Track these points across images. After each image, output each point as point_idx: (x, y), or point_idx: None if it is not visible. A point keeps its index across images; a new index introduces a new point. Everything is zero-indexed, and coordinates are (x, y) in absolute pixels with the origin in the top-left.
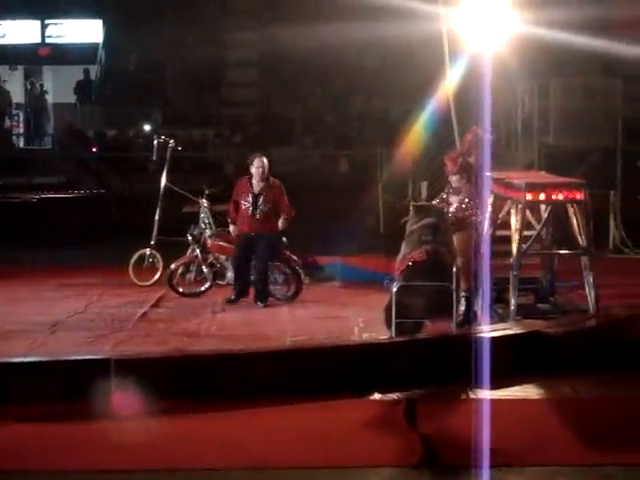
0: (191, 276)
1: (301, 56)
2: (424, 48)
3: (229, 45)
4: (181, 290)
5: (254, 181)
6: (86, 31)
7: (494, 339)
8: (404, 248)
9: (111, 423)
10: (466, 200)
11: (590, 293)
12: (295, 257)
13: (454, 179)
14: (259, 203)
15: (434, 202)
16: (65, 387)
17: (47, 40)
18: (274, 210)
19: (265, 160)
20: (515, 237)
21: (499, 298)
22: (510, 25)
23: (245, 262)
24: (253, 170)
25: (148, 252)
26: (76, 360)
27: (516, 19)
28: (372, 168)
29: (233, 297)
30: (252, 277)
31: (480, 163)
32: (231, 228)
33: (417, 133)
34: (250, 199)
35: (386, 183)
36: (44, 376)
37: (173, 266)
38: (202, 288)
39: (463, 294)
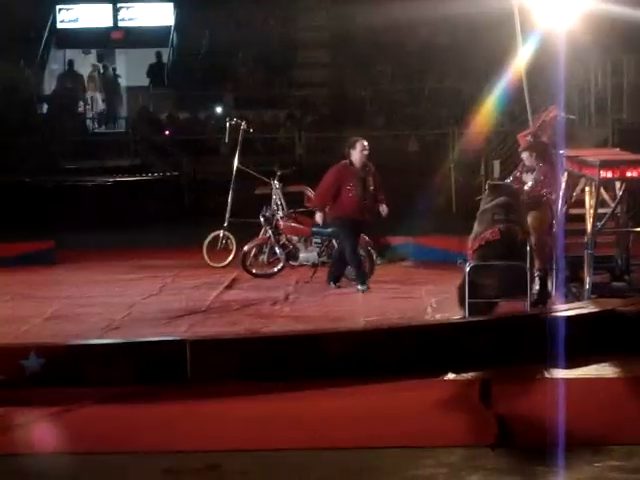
0: (264, 257)
1: (372, 36)
2: (496, 25)
3: (300, 26)
4: (254, 271)
5: (358, 165)
6: (158, 14)
7: (569, 318)
8: (477, 227)
9: (186, 405)
10: (541, 178)
11: None
12: (367, 238)
13: (524, 156)
14: (367, 188)
15: (507, 181)
16: (141, 369)
17: (119, 24)
18: (374, 194)
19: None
20: (589, 215)
21: (574, 277)
22: (582, 1)
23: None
24: (356, 154)
25: (221, 234)
26: (152, 342)
27: None
28: (444, 147)
29: (332, 282)
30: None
31: (555, 142)
32: (317, 216)
33: (489, 111)
34: (357, 184)
35: (458, 162)
36: (120, 358)
37: (246, 248)
38: (275, 269)
39: (537, 273)
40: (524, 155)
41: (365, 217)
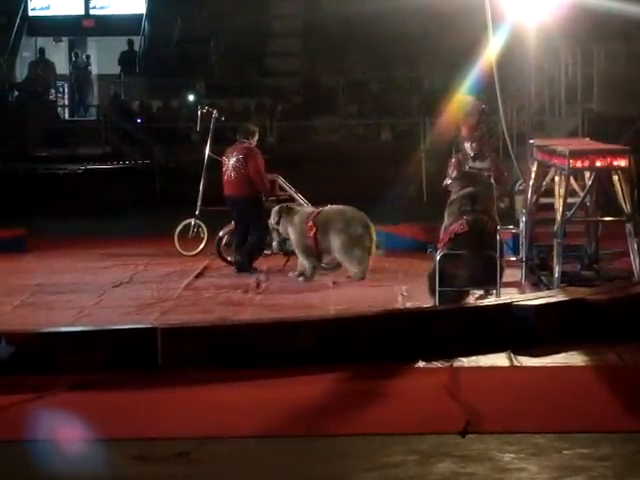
0: None
1: (344, 25)
2: (467, 15)
3: (273, 15)
4: (228, 258)
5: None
6: (130, 2)
7: (538, 307)
8: (446, 218)
9: (156, 392)
10: (496, 165)
11: (635, 260)
12: None
13: (469, 146)
14: None
15: (447, 179)
16: (111, 356)
17: (91, 12)
18: None
19: None
20: (559, 204)
21: (543, 266)
22: None
23: None
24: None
25: (193, 222)
26: (122, 329)
27: None
28: (415, 136)
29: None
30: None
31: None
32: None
33: (460, 101)
34: None
35: (429, 151)
36: (90, 345)
37: (221, 233)
38: None
39: None
40: (467, 145)
41: None
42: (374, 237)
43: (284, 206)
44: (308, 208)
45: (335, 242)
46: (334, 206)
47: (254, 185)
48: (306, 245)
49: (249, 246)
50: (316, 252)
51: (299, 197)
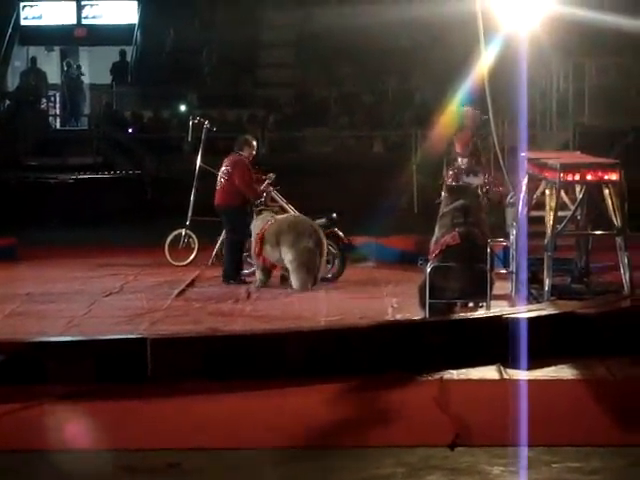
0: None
1: (337, 37)
2: (458, 27)
3: (265, 26)
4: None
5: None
6: (122, 12)
7: (529, 320)
8: (437, 231)
9: (146, 403)
10: (490, 179)
11: (625, 274)
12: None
13: (464, 162)
14: None
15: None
16: (101, 366)
17: (83, 21)
18: None
19: None
20: (550, 218)
21: (534, 279)
22: (545, 4)
23: None
24: (251, 151)
25: (184, 232)
26: (112, 339)
27: None
28: (406, 148)
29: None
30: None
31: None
32: None
33: (451, 113)
34: None
35: (420, 164)
36: (80, 355)
37: (219, 242)
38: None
39: None
40: (464, 160)
41: None
42: (324, 251)
43: (258, 210)
44: (269, 216)
45: (285, 255)
46: (288, 216)
47: (238, 195)
48: (255, 253)
49: (227, 257)
50: (262, 262)
51: (290, 208)
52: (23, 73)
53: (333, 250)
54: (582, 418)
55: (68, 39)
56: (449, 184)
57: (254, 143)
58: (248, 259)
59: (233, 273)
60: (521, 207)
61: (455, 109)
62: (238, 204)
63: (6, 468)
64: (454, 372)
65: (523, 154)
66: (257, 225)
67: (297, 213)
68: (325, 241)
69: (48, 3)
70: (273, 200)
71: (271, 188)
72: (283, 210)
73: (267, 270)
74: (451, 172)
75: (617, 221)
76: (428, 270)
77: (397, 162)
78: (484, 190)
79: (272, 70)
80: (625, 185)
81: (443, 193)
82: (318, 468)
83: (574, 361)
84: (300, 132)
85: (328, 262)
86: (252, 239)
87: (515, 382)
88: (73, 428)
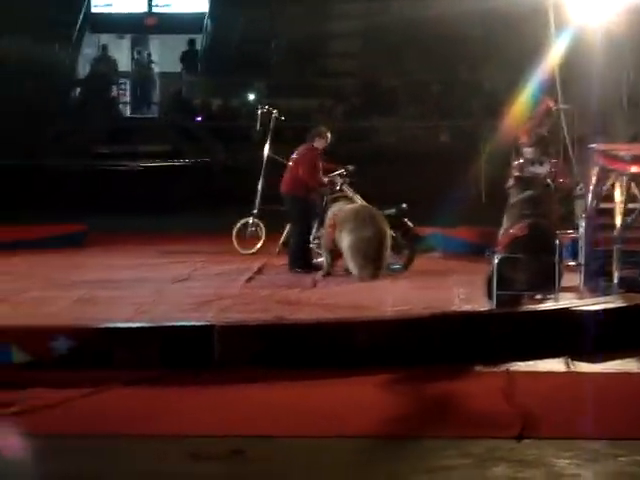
0: None
1: (406, 26)
2: (530, 17)
3: (334, 16)
4: None
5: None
6: (192, 1)
7: (597, 312)
8: (505, 222)
9: (212, 390)
10: (555, 170)
11: None
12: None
13: (529, 151)
14: None
15: (510, 180)
16: (168, 352)
17: (154, 9)
18: None
19: None
20: (619, 210)
21: (603, 271)
22: None
23: None
24: (323, 142)
25: (251, 221)
26: (179, 326)
27: None
28: (475, 139)
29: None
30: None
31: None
32: None
33: (521, 104)
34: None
35: (489, 153)
36: (147, 341)
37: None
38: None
39: None
40: (529, 150)
41: None
42: (387, 241)
43: (333, 197)
44: (342, 204)
45: (344, 241)
46: (354, 205)
47: (302, 184)
48: (325, 241)
49: (292, 246)
50: (331, 250)
51: (358, 199)
52: (94, 61)
53: (402, 241)
54: None
55: (138, 27)
56: (517, 175)
57: (328, 134)
58: (316, 248)
59: (299, 261)
60: (590, 199)
61: (525, 99)
62: (302, 193)
63: (74, 452)
64: (521, 364)
65: (593, 145)
66: (331, 212)
67: (364, 204)
68: (388, 231)
69: None
70: (341, 191)
71: (339, 179)
72: (352, 201)
73: (335, 258)
74: (516, 162)
75: None
76: (495, 261)
77: (465, 152)
78: (552, 180)
79: (340, 59)
80: None
81: (510, 181)
82: (383, 458)
83: None
84: (368, 122)
85: (397, 252)
86: (324, 227)
87: (582, 375)
88: (138, 414)
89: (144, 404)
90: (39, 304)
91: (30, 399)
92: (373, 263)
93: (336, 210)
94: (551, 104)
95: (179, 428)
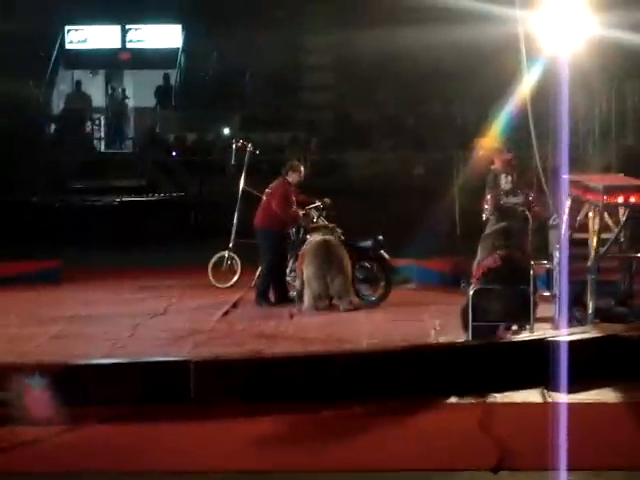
0: None
1: (378, 60)
2: (501, 51)
3: (307, 49)
4: None
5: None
6: (166, 36)
7: (572, 342)
8: (479, 253)
9: (188, 425)
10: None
11: None
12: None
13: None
14: None
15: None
16: (144, 388)
17: (127, 45)
18: None
19: None
20: (593, 240)
21: (577, 301)
22: (586, 27)
23: None
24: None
25: (227, 254)
26: (156, 362)
27: (592, 21)
28: (448, 171)
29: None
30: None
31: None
32: None
33: (494, 137)
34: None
35: (462, 186)
36: (124, 377)
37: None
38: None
39: None
40: (508, 178)
41: None
42: (343, 274)
43: (312, 227)
44: (317, 236)
45: (304, 273)
46: (320, 238)
47: (276, 218)
48: (298, 272)
49: (260, 280)
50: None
51: (337, 230)
52: (68, 96)
53: (378, 273)
54: (626, 441)
55: (113, 63)
56: (496, 204)
57: (301, 168)
58: (292, 281)
59: (263, 296)
60: (564, 229)
61: (496, 132)
62: (276, 227)
63: None
64: (497, 395)
65: (565, 176)
66: (305, 243)
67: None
68: (347, 265)
69: (93, 27)
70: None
71: (315, 213)
72: (333, 230)
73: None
74: (490, 194)
75: None
76: (470, 292)
77: (439, 185)
78: (527, 210)
79: (314, 93)
80: None
81: (488, 211)
82: None
83: (617, 384)
84: (342, 155)
85: (372, 284)
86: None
87: (558, 405)
88: (114, 450)
89: (118, 441)
90: (15, 340)
91: (6, 436)
92: (319, 299)
93: (307, 242)
94: (508, 156)
95: (155, 464)
